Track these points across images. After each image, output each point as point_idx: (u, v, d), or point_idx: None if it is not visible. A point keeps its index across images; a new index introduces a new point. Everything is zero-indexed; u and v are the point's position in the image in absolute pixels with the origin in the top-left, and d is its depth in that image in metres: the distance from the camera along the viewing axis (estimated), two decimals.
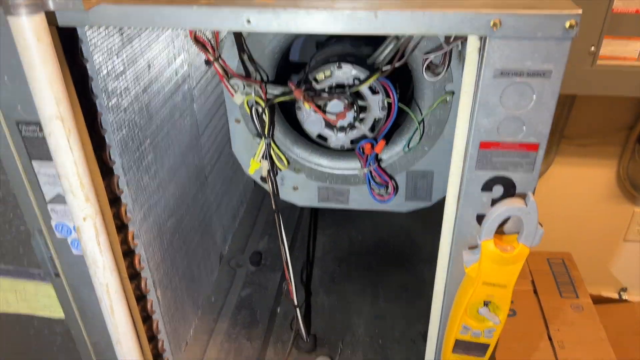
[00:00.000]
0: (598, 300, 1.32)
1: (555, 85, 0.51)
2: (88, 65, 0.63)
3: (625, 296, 1.64)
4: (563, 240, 1.42)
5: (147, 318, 0.87)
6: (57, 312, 0.82)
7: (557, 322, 1.12)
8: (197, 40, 0.59)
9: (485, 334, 0.65)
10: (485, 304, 0.63)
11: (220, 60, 0.62)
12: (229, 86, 0.68)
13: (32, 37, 0.49)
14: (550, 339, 1.09)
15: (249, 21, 0.51)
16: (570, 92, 1.23)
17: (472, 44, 0.51)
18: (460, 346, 0.67)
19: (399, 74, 0.81)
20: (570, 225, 1.51)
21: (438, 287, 0.67)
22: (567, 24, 0.47)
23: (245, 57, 0.74)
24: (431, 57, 0.70)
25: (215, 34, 0.61)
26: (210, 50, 0.60)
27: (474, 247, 0.62)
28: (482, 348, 0.67)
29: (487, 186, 0.58)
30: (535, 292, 1.21)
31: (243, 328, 1.04)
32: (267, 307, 1.09)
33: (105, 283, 0.65)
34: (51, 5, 0.51)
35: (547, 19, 0.47)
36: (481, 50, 0.51)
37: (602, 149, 1.43)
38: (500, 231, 0.60)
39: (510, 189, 0.58)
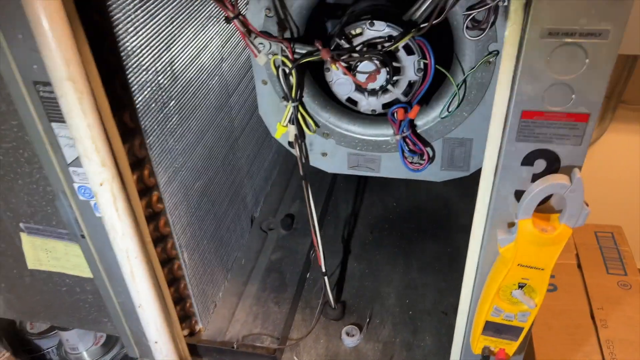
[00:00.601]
0: None
1: (613, 48, 0.44)
2: (105, 22, 0.60)
3: None
4: (613, 212, 1.33)
5: (174, 280, 0.87)
6: (86, 272, 0.83)
7: (601, 300, 1.06)
8: None
9: (519, 317, 0.61)
10: (520, 286, 0.58)
11: (240, 17, 0.58)
12: (252, 46, 0.64)
13: None
14: (592, 317, 1.03)
15: None
16: (632, 52, 1.13)
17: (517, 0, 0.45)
18: (491, 328, 0.63)
19: (438, 33, 0.74)
20: (623, 196, 1.42)
21: (470, 265, 0.63)
22: None
23: (272, 13, 0.69)
24: (473, 13, 0.64)
25: None
26: (229, 6, 0.56)
27: (510, 226, 0.57)
28: (515, 331, 0.63)
29: (528, 160, 0.53)
30: (579, 266, 1.14)
31: (272, 292, 1.03)
32: (297, 271, 1.07)
33: (125, 248, 0.64)
34: None
35: None
36: (527, 6, 0.45)
37: None
38: (541, 209, 0.55)
39: (554, 164, 0.52)
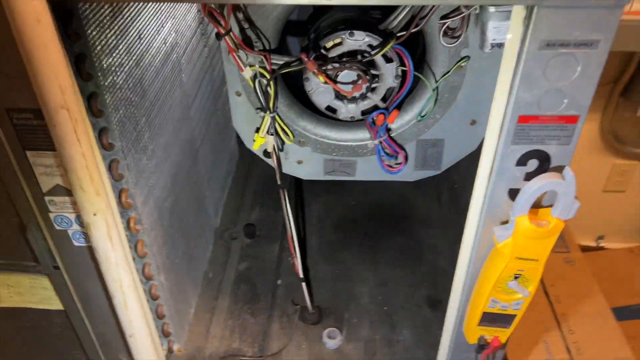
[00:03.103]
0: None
1: (602, 55, 0.48)
2: (80, 43, 0.56)
3: (602, 244, 1.70)
4: None
5: (153, 302, 0.83)
6: (55, 304, 0.77)
7: (552, 277, 1.14)
8: (210, 14, 0.53)
9: (513, 306, 0.65)
10: (515, 277, 0.62)
11: (231, 34, 0.57)
12: (239, 60, 0.63)
13: (31, 18, 0.42)
14: (546, 294, 1.11)
15: None
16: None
17: (517, 14, 0.48)
18: (487, 318, 0.66)
19: (410, 39, 0.77)
20: None
21: (462, 261, 0.66)
22: None
23: (249, 25, 0.68)
24: (448, 21, 0.67)
25: (229, 6, 0.55)
26: (222, 22, 0.55)
27: (504, 222, 0.60)
28: (508, 319, 0.67)
29: (522, 160, 0.56)
30: None
31: (245, 303, 1.02)
32: (267, 280, 1.06)
33: (119, 279, 0.61)
34: None
35: None
36: (527, 20, 0.48)
37: None
38: (532, 204, 0.59)
39: (544, 163, 0.56)
